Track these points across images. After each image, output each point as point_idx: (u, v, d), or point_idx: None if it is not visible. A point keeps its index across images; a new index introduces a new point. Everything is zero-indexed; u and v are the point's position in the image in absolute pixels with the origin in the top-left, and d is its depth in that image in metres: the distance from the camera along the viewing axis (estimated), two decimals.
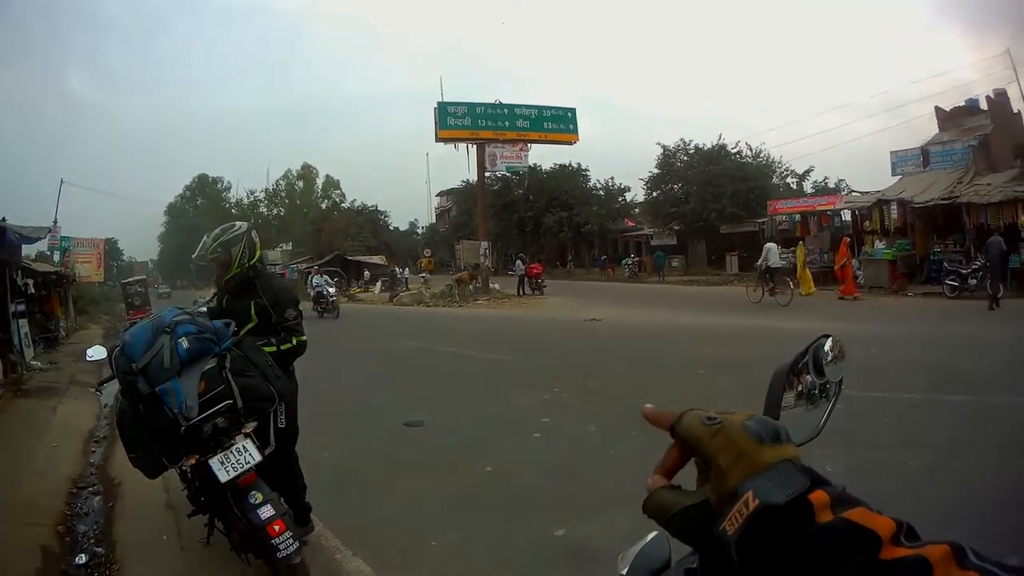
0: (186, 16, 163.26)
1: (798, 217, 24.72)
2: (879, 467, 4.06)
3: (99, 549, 4.15)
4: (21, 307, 11.71)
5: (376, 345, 12.01)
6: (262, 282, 3.50)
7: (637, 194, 38.10)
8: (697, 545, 0.57)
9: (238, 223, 3.60)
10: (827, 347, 0.77)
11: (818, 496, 0.49)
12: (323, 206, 60.25)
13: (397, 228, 58.48)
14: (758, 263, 16.81)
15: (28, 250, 15.68)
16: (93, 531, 4.48)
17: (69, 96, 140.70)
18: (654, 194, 34.09)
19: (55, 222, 28.31)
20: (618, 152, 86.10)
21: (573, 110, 26.94)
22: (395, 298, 25.89)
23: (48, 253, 27.74)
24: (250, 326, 3.35)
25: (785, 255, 18.86)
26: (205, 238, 3.48)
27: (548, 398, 6.53)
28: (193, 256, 3.63)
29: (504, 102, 25.81)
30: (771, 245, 16.99)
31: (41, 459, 6.13)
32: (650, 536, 0.96)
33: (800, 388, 0.77)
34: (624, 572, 0.91)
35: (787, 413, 0.73)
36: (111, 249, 57.85)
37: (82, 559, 4.02)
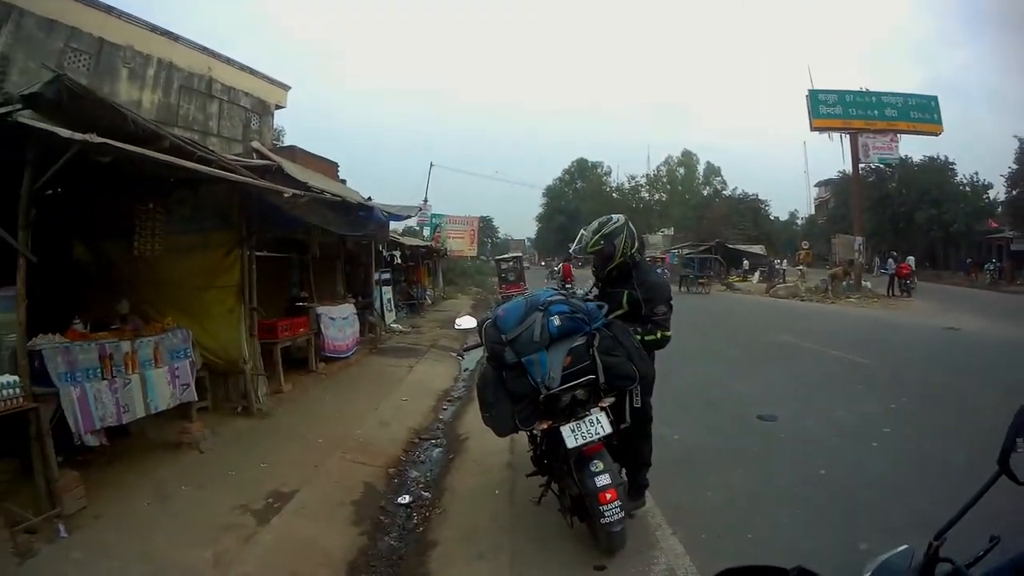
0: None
1: None
2: None
3: (426, 493, 4.48)
4: (386, 275, 13.18)
5: (746, 336, 12.12)
6: (639, 274, 3.62)
7: (999, 192, 33.77)
8: None
9: (615, 216, 3.73)
10: None
11: None
12: (704, 193, 58.56)
13: (777, 218, 56.63)
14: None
15: (396, 225, 17.23)
16: (425, 477, 4.86)
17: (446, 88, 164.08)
18: (1014, 192, 30.17)
19: (425, 200, 33.75)
20: (974, 144, 73.32)
21: (935, 98, 24.95)
22: (771, 289, 25.92)
23: (417, 228, 32.69)
24: (620, 312, 3.51)
25: None
26: (583, 232, 3.70)
27: (894, 407, 6.30)
28: (571, 248, 4.07)
29: (870, 90, 24.54)
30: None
31: (387, 410, 6.49)
32: (899, 548, 1.01)
33: None
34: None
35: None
36: (486, 226, 65.95)
37: (405, 499, 4.34)
